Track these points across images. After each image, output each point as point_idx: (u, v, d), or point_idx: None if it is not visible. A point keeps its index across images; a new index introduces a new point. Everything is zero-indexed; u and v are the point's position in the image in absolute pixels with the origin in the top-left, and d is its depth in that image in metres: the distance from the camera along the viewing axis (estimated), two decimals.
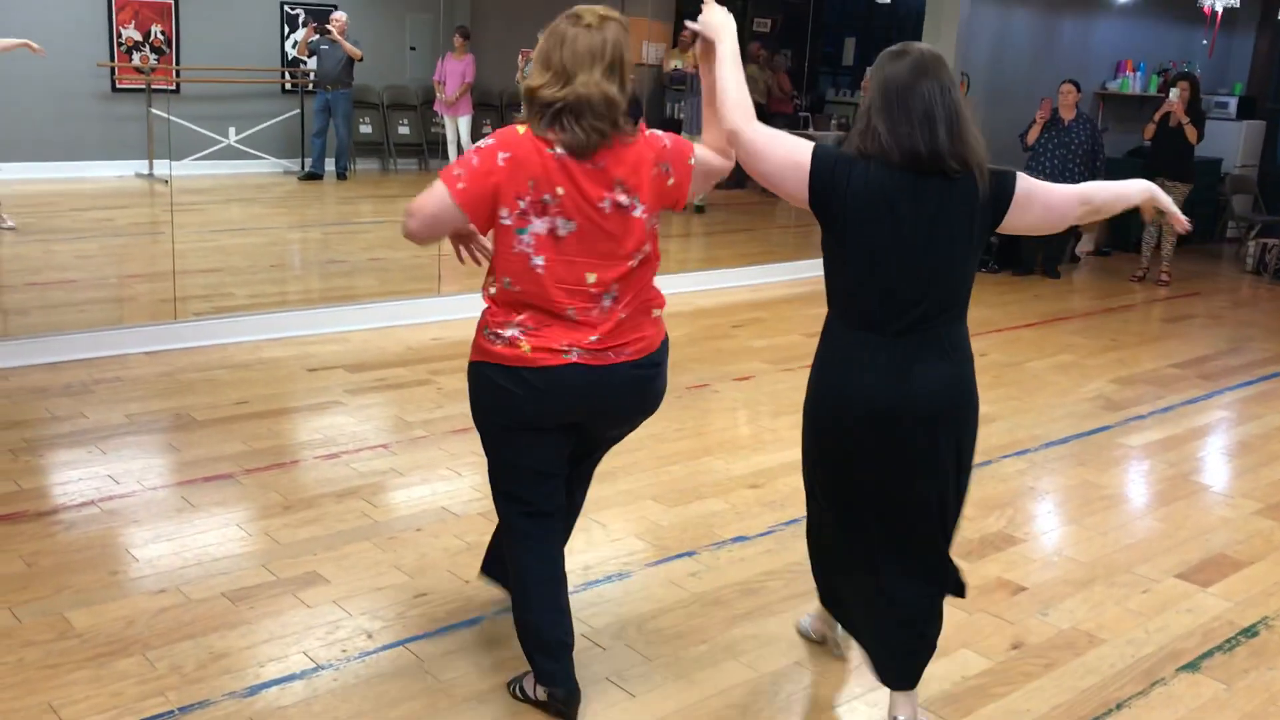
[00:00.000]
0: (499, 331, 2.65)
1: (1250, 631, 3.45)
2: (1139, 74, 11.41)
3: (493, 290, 2.70)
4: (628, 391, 2.72)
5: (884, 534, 2.70)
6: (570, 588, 3.42)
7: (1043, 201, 2.67)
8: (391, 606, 3.29)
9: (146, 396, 4.99)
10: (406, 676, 2.95)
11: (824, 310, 2.72)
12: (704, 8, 2.72)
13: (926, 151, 2.48)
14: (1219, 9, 9.83)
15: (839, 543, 2.83)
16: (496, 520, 3.87)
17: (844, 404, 2.63)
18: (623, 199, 2.62)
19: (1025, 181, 2.63)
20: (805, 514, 3.01)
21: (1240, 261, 10.24)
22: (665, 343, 2.82)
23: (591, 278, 2.62)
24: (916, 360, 2.55)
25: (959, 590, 2.82)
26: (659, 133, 2.73)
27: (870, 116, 2.54)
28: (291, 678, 2.92)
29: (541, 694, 2.80)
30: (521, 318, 2.63)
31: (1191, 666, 3.23)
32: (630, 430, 2.93)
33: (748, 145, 2.62)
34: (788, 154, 2.60)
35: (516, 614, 2.82)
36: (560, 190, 2.57)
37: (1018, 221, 2.63)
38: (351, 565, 3.52)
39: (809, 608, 3.43)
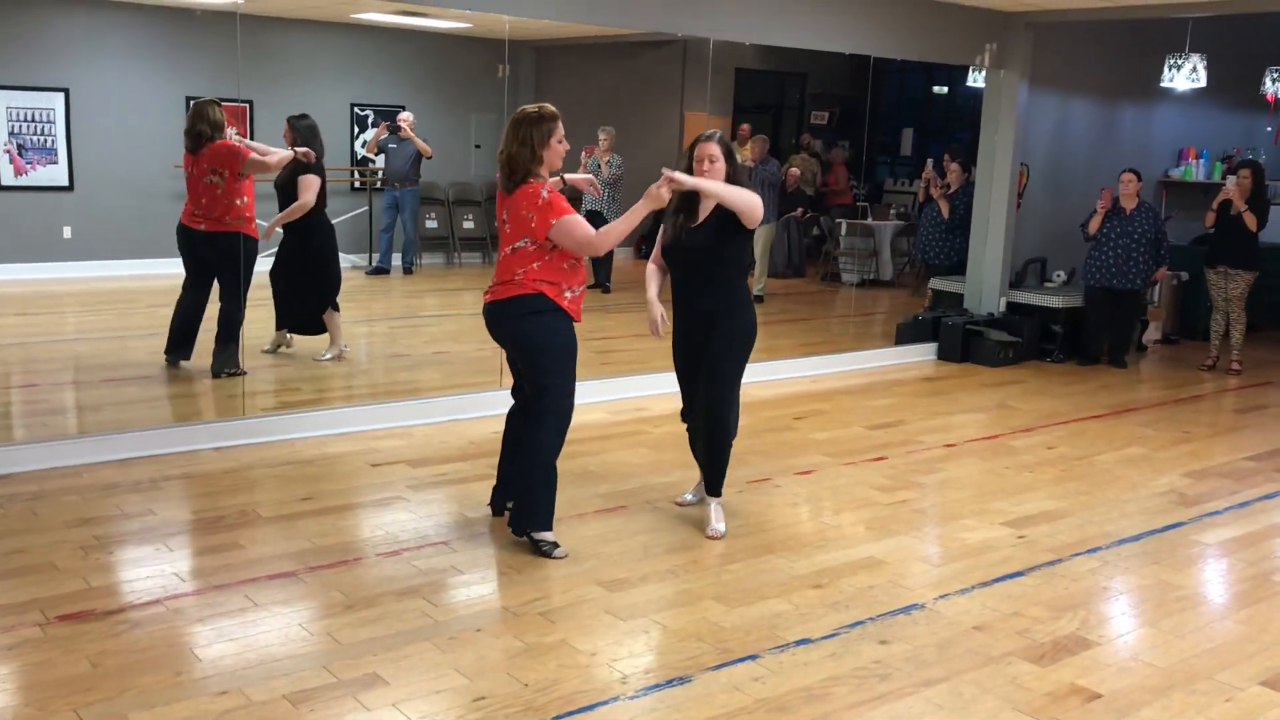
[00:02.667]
0: None
1: None
2: (1202, 161, 11.33)
3: None
4: (488, 322, 4.53)
5: None
6: (631, 691, 3.40)
7: None
8: (450, 710, 3.27)
9: (214, 493, 5.07)
10: None
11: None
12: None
13: None
14: None
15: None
16: (554, 621, 3.87)
17: None
18: (505, 217, 4.45)
19: None
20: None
21: None
22: (518, 299, 4.38)
23: (501, 255, 4.52)
24: None
25: None
26: (547, 192, 4.31)
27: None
28: None
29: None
30: None
31: None
32: (523, 363, 4.54)
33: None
34: None
35: None
36: (496, 203, 4.55)
37: None
38: (411, 666, 3.51)
39: (873, 713, 3.35)
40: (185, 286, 6.85)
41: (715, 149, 4.61)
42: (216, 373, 6.65)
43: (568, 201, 4.39)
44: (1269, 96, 9.86)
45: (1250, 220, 8.59)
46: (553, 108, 4.45)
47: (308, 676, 3.42)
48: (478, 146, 11.87)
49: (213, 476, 5.28)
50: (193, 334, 6.82)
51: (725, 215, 4.60)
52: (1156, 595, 4.42)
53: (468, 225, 12.50)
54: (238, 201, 6.68)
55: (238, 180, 6.68)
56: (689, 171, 4.58)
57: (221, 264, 6.68)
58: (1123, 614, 4.27)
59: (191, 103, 7.50)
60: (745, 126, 13.21)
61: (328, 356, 7.31)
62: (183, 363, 6.87)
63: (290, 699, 3.29)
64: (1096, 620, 4.14)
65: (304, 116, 7.23)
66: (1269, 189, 9.57)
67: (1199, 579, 4.68)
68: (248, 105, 11.18)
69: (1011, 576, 4.49)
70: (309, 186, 6.97)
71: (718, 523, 4.82)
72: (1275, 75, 9.68)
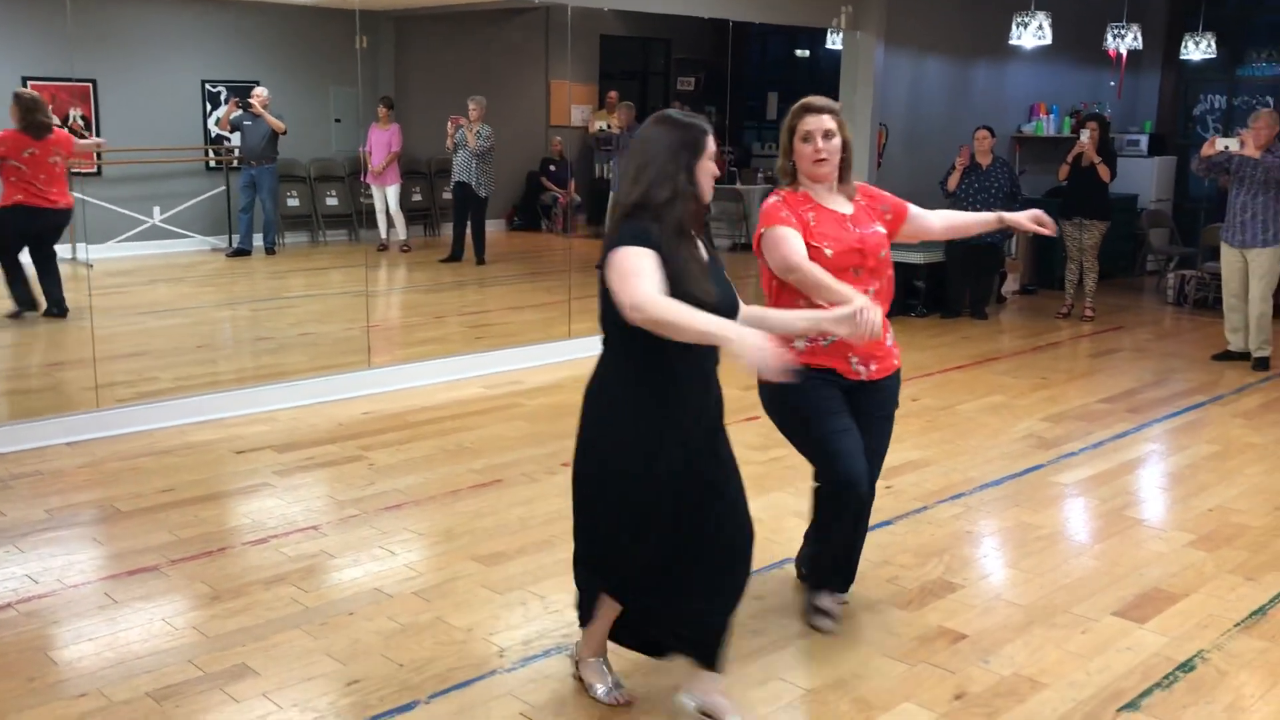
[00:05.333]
0: None
1: (1187, 666, 3.47)
2: (1052, 116, 11.71)
3: None
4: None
5: None
6: (508, 664, 3.38)
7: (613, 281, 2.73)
8: (323, 696, 3.20)
9: (68, 489, 4.85)
10: None
11: None
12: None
13: None
14: (1123, 51, 10.14)
15: None
16: (429, 599, 3.82)
17: None
18: None
19: (621, 255, 2.71)
20: None
21: (1161, 294, 10.48)
22: None
23: None
24: None
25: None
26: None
27: None
28: None
29: None
30: None
31: (1132, 706, 3.23)
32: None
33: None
34: None
35: None
36: None
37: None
38: (281, 655, 3.43)
39: (748, 668, 3.40)
40: (16, 256, 7.40)
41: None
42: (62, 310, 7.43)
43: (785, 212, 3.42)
44: (1111, 52, 10.23)
45: (1104, 172, 8.92)
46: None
47: (172, 672, 3.31)
48: (338, 121, 11.57)
49: (66, 472, 5.06)
50: None
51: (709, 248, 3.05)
52: (1017, 536, 4.58)
53: (331, 202, 12.18)
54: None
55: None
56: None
57: (57, 234, 7.55)
58: (985, 556, 4.42)
59: (20, 93, 7.59)
60: (613, 94, 13.18)
61: None
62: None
63: (154, 696, 3.18)
64: (960, 564, 4.27)
65: None
66: (1113, 141, 9.97)
67: (1057, 518, 4.86)
68: (90, 85, 10.68)
69: (880, 526, 4.59)
70: None
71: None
72: (1116, 31, 10.04)
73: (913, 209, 3.72)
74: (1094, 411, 6.47)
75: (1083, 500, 5.05)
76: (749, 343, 2.57)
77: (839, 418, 3.44)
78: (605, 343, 2.92)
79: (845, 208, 3.55)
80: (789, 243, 3.34)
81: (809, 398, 3.38)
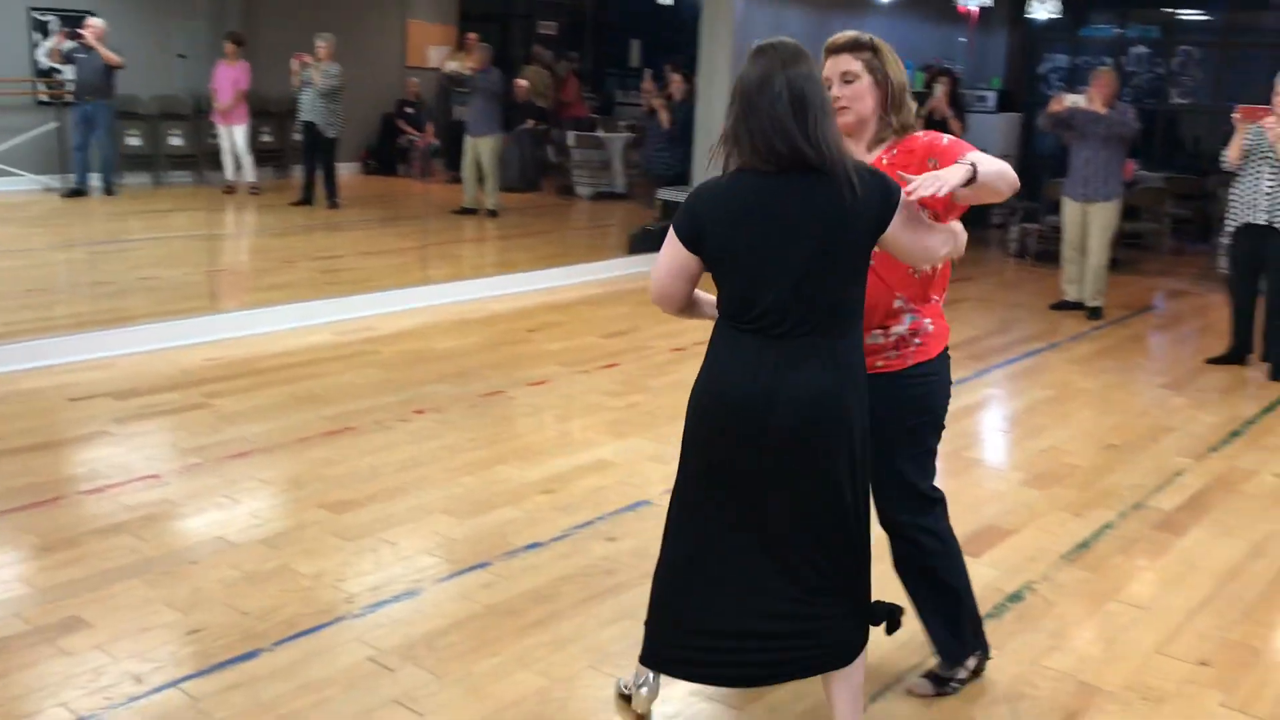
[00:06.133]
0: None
1: (1016, 597, 3.64)
2: (907, 72, 11.98)
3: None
4: None
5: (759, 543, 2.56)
6: (357, 610, 3.33)
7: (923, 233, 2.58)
8: (162, 646, 3.10)
9: None
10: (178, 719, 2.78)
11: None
12: None
13: (785, 147, 2.36)
14: (974, 8, 10.41)
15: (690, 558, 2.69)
16: (275, 547, 3.73)
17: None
18: None
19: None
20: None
21: (1005, 246, 10.86)
22: None
23: None
24: (785, 365, 2.42)
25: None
26: None
27: (734, 125, 2.43)
28: None
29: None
30: None
31: None
32: None
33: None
34: (668, 255, 2.67)
35: None
36: None
37: (893, 241, 2.48)
38: (118, 606, 3.30)
39: (600, 606, 3.43)
40: None
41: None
42: None
43: None
44: (962, 9, 10.49)
45: (955, 126, 9.17)
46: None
47: None
48: (182, 56, 11.05)
49: None
50: None
51: None
52: None
53: (175, 142, 11.65)
54: None
55: None
56: None
57: None
58: None
59: None
60: (472, 36, 12.89)
61: None
62: None
63: None
64: None
65: None
66: (963, 97, 10.25)
67: None
68: None
69: None
70: None
71: None
72: None
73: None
74: None
75: None
76: None
77: None
78: (829, 330, 2.43)
79: None
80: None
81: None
